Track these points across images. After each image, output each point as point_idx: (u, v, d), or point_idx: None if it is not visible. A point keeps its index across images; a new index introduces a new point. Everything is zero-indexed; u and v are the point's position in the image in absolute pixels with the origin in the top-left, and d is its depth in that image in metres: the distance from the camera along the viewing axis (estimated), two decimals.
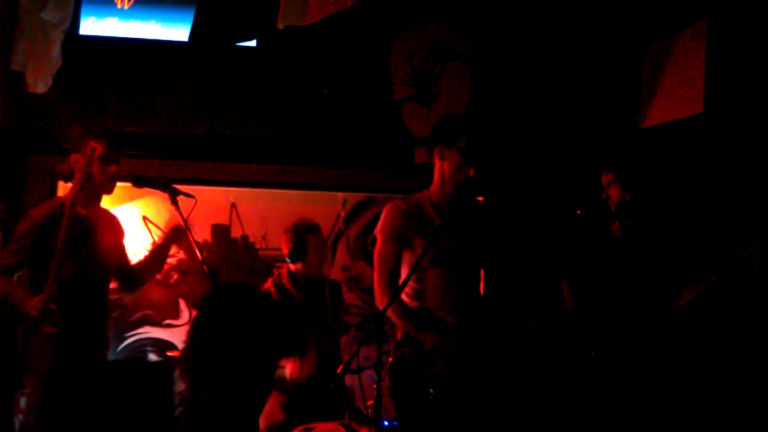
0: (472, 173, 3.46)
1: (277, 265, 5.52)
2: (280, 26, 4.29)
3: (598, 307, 4.26)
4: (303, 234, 4.54)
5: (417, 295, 3.57)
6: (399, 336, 3.60)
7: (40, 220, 3.71)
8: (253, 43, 5.43)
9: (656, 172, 4.53)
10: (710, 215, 4.61)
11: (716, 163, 4.76)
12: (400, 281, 3.51)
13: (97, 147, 3.71)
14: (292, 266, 4.60)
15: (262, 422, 4.40)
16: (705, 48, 4.90)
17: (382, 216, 3.60)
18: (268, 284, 4.68)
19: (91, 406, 3.62)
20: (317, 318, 4.59)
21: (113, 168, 3.76)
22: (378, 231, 3.61)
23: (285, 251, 4.60)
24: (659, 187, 4.45)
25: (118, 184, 3.90)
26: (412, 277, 3.46)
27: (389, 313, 3.47)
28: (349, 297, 5.26)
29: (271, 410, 4.42)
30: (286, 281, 4.61)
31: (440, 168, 3.58)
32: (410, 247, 3.52)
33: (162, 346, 5.39)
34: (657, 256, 4.25)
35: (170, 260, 5.44)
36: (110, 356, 4.16)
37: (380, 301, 3.46)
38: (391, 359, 3.53)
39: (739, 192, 4.56)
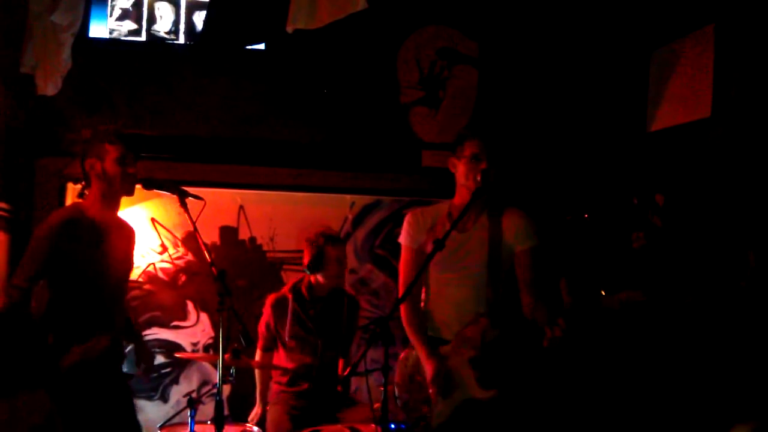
0: (479, 178, 3.46)
1: (285, 267, 5.55)
2: (290, 29, 4.31)
3: (595, 304, 4.28)
4: (323, 246, 4.56)
5: (428, 300, 3.61)
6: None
7: (57, 230, 3.57)
8: (261, 46, 5.45)
9: (663, 176, 4.54)
10: (718, 219, 4.61)
11: (724, 167, 4.75)
12: (423, 291, 3.62)
13: (114, 149, 3.67)
14: (311, 276, 4.63)
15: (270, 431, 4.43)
16: (713, 52, 4.90)
17: (403, 225, 3.67)
18: (286, 289, 4.71)
19: (106, 420, 3.56)
20: (330, 329, 4.60)
21: (132, 170, 3.70)
22: (400, 240, 3.68)
23: (305, 261, 4.64)
24: (667, 191, 4.46)
25: None
26: (424, 281, 3.52)
27: (406, 329, 3.54)
28: None
29: (278, 419, 4.44)
30: (304, 289, 4.64)
31: (457, 177, 3.63)
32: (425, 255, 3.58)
33: (169, 347, 5.41)
34: (667, 259, 4.28)
35: (178, 262, 5.49)
36: None
37: (402, 311, 3.51)
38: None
39: (746, 196, 4.56)
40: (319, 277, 4.59)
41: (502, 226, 3.57)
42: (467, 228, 3.58)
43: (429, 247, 3.46)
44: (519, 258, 3.58)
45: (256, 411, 4.73)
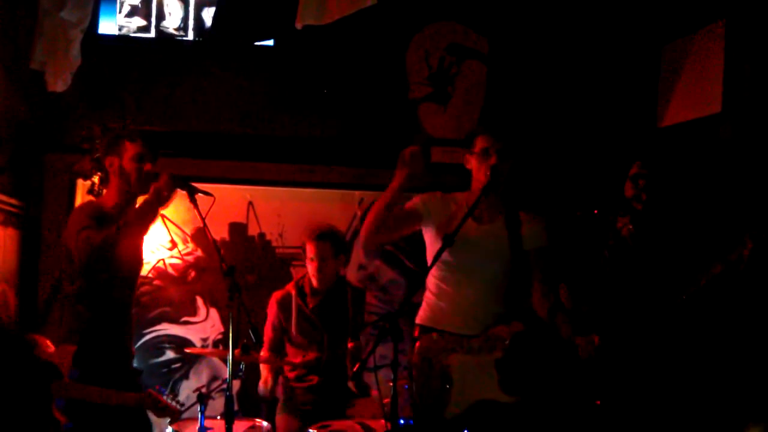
0: (488, 173, 3.44)
1: (294, 263, 5.56)
2: (299, 26, 4.31)
3: (598, 308, 4.27)
4: (304, 245, 4.57)
5: (440, 293, 3.59)
6: (416, 333, 3.62)
7: (86, 216, 3.55)
8: (270, 42, 5.45)
9: (673, 171, 4.53)
10: (726, 214, 4.59)
11: (733, 163, 4.74)
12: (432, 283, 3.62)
13: (133, 146, 3.66)
14: None
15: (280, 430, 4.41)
16: (723, 47, 4.88)
17: (420, 194, 3.66)
18: (290, 286, 4.70)
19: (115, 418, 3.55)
20: (334, 323, 4.59)
21: (149, 166, 3.68)
22: (408, 204, 3.67)
23: None
24: (676, 186, 4.45)
25: None
26: (437, 275, 3.54)
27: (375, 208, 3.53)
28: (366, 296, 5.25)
29: (286, 416, 4.44)
30: (306, 285, 4.63)
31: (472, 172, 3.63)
32: (431, 236, 3.59)
33: (179, 342, 5.43)
34: (669, 255, 4.26)
35: (188, 258, 5.50)
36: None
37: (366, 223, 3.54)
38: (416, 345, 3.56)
39: (755, 191, 4.54)
40: (309, 275, 4.59)
41: (519, 225, 3.56)
42: (484, 223, 3.57)
43: (439, 232, 3.45)
44: (532, 257, 3.58)
45: (264, 379, 4.64)
